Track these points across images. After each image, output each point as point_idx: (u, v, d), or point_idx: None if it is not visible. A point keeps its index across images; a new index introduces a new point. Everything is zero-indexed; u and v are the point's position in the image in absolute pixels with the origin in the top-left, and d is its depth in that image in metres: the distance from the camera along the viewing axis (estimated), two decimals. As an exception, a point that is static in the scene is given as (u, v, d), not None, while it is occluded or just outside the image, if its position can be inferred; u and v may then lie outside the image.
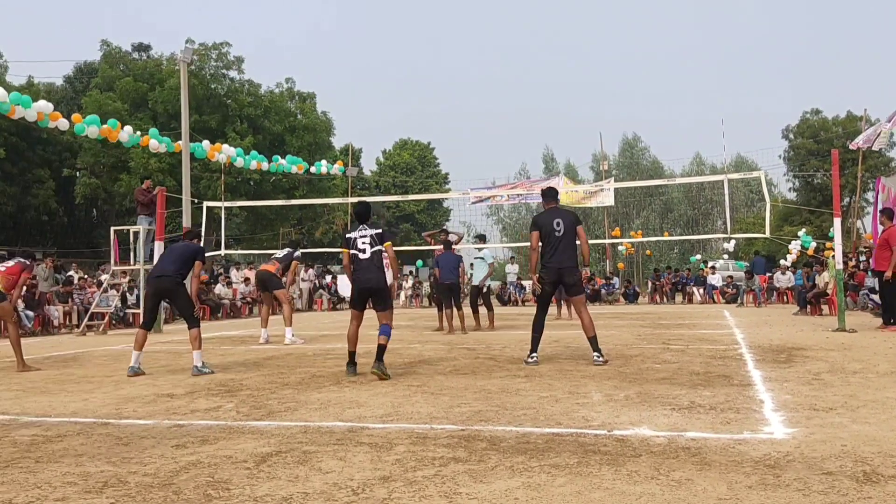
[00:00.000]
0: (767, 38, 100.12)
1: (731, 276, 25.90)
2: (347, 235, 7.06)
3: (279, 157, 22.57)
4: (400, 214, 51.41)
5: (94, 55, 39.93)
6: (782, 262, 26.14)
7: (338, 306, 24.86)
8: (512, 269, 28.28)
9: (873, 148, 15.80)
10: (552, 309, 13.18)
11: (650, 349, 8.81)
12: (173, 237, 16.68)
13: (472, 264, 13.36)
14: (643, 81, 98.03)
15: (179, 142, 18.56)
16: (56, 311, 15.94)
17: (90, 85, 35.08)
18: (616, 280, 28.53)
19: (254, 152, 22.43)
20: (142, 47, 39.38)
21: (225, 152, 19.82)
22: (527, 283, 27.65)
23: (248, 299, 21.71)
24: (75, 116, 15.72)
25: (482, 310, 13.20)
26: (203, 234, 17.00)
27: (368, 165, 53.58)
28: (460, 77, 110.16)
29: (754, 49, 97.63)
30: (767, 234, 15.25)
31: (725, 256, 35.38)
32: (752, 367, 6.94)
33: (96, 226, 40.74)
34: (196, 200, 19.12)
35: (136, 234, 15.20)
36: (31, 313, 14.73)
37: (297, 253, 11.85)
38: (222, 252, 19.65)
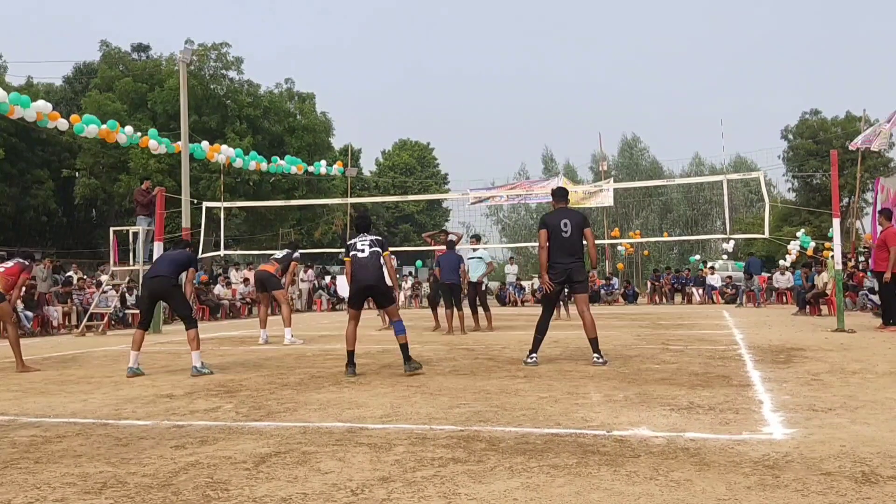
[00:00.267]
0: (766, 39, 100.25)
1: (730, 277, 25.92)
2: (349, 243, 7.27)
3: (278, 158, 22.57)
4: (399, 215, 51.43)
5: (94, 55, 39.97)
6: (781, 262, 26.15)
7: (337, 307, 24.86)
8: (511, 270, 28.28)
9: (873, 148, 15.80)
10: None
11: (649, 350, 8.81)
12: (172, 238, 16.71)
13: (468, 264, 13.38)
14: (642, 82, 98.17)
15: (179, 142, 18.55)
16: (55, 312, 15.94)
17: (89, 85, 35.09)
18: (615, 280, 28.54)
19: (253, 153, 22.41)
20: (141, 48, 39.39)
21: (224, 153, 19.81)
22: (526, 284, 27.69)
23: (248, 300, 21.71)
24: (74, 117, 15.71)
25: (480, 310, 13.23)
26: (202, 234, 17.07)
27: (368, 166, 53.66)
28: (459, 78, 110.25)
29: (753, 50, 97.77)
30: (766, 235, 15.23)
31: (724, 257, 35.40)
32: (751, 368, 6.94)
33: (95, 226, 40.72)
34: (195, 201, 19.12)
35: (136, 234, 15.20)
36: (30, 314, 14.73)
37: (296, 254, 11.85)
38: (221, 252, 19.64)
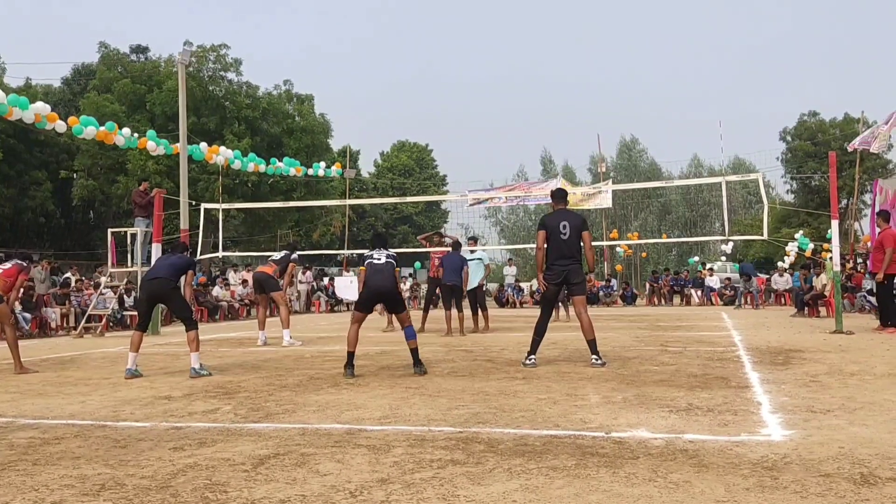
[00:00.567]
0: (765, 41, 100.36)
1: (728, 279, 25.93)
2: (366, 255, 7.58)
3: (277, 160, 22.55)
4: (398, 216, 51.41)
5: (92, 57, 39.98)
6: (780, 264, 26.17)
7: (335, 308, 24.85)
8: (510, 271, 28.28)
9: (872, 150, 15.79)
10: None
11: (648, 351, 8.81)
12: (171, 239, 16.69)
13: None
14: (641, 84, 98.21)
15: (177, 144, 18.55)
16: (53, 313, 15.92)
17: (88, 87, 35.04)
18: (614, 282, 28.54)
19: (252, 154, 22.40)
20: (140, 49, 39.38)
21: (223, 154, 19.80)
22: (525, 285, 27.69)
23: (246, 301, 21.69)
24: (72, 119, 15.69)
25: (478, 311, 13.23)
26: (200, 236, 17.05)
27: (366, 167, 53.67)
28: (458, 79, 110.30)
29: (752, 51, 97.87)
30: (765, 236, 15.24)
31: (723, 258, 35.40)
32: (749, 369, 6.95)
33: (93, 228, 40.68)
34: (194, 202, 19.11)
35: (134, 236, 15.20)
36: (28, 315, 14.71)
37: (295, 255, 11.85)
38: (220, 254, 19.63)
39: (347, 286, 16.53)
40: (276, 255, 11.86)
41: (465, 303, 13.02)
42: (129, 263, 15.43)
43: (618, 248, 35.29)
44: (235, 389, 6.33)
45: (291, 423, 4.75)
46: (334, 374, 7.20)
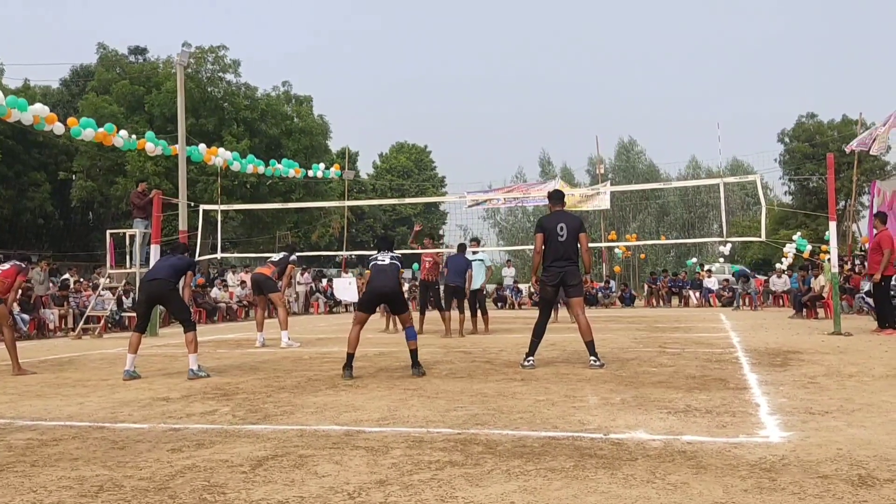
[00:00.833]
0: (763, 42, 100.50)
1: (727, 280, 25.94)
2: (371, 256, 7.61)
3: (276, 161, 22.54)
4: (396, 218, 51.42)
5: (91, 58, 39.93)
6: (778, 265, 26.18)
7: (334, 309, 24.84)
8: (508, 273, 28.28)
9: (872, 152, 15.78)
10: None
11: (646, 353, 8.82)
12: (170, 240, 16.68)
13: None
14: (639, 85, 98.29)
15: (176, 145, 18.53)
16: (52, 315, 15.90)
17: (86, 88, 35.00)
18: (613, 283, 28.54)
19: (250, 156, 22.39)
20: (138, 50, 39.36)
21: (221, 155, 19.79)
22: (523, 287, 27.67)
23: (245, 302, 21.68)
24: (71, 120, 15.68)
25: (479, 313, 13.23)
26: (199, 237, 17.04)
27: (365, 169, 53.69)
28: (457, 80, 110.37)
29: (750, 52, 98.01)
30: (763, 238, 15.25)
31: (721, 260, 35.41)
32: (747, 371, 6.95)
33: (92, 229, 40.65)
34: (192, 203, 19.09)
35: (132, 237, 15.19)
36: (26, 316, 14.69)
37: (293, 256, 11.85)
38: (218, 255, 19.61)
39: (346, 287, 16.51)
40: (275, 257, 11.86)
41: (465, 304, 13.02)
42: (128, 265, 15.42)
43: (616, 250, 35.30)
44: (234, 391, 6.33)
45: (290, 425, 4.75)
46: (333, 375, 7.20)
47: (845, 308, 16.31)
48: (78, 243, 39.23)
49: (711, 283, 25.84)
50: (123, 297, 16.88)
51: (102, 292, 15.93)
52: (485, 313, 13.35)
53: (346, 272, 23.71)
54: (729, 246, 33.95)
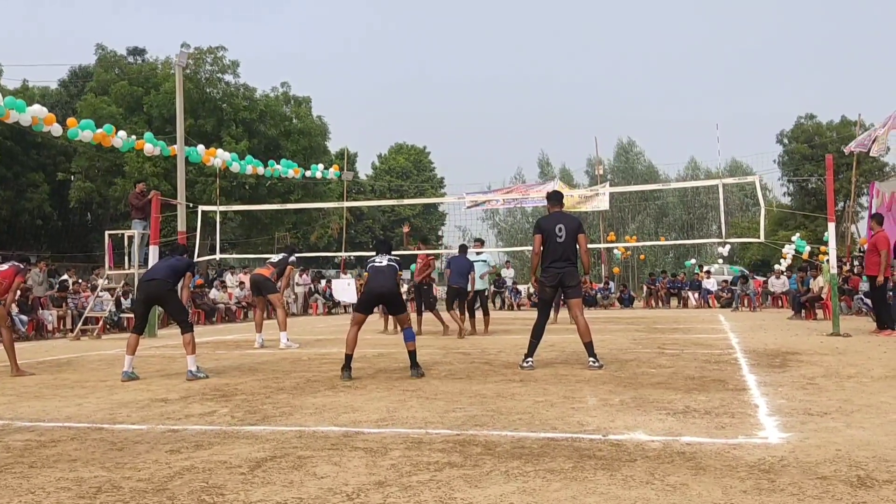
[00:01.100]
0: (762, 43, 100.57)
1: (726, 281, 25.95)
2: (370, 259, 7.63)
3: (274, 162, 22.53)
4: (395, 219, 51.40)
5: (90, 59, 39.86)
6: (777, 266, 26.20)
7: (333, 310, 24.83)
8: (508, 274, 28.28)
9: (871, 154, 15.79)
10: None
11: (645, 354, 8.82)
12: (168, 241, 16.67)
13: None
14: (638, 86, 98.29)
15: (174, 146, 18.53)
16: (50, 316, 15.89)
17: (85, 89, 34.98)
18: (612, 284, 28.55)
19: (249, 156, 22.40)
20: (137, 51, 39.30)
21: (220, 156, 19.80)
22: (522, 288, 27.68)
23: (244, 303, 21.67)
24: (70, 120, 15.68)
25: (478, 314, 13.24)
26: (198, 238, 17.04)
27: (364, 170, 53.65)
28: (456, 81, 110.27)
29: (749, 54, 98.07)
30: (762, 239, 15.27)
31: (720, 261, 35.42)
32: (746, 372, 6.95)
33: (91, 230, 40.61)
34: (191, 204, 19.09)
35: (131, 238, 15.18)
36: (24, 317, 14.68)
37: (293, 257, 11.84)
38: (217, 256, 19.61)
39: (345, 288, 16.53)
40: (275, 258, 11.85)
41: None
42: (127, 265, 15.40)
43: (615, 251, 35.34)
44: (232, 392, 6.32)
45: (288, 426, 4.75)
46: (331, 376, 7.19)
47: (844, 309, 16.32)
48: (76, 244, 39.20)
49: (710, 284, 25.85)
50: (122, 298, 16.87)
51: (101, 293, 15.91)
52: (486, 314, 13.36)
53: (345, 273, 23.73)
54: (728, 247, 33.97)
